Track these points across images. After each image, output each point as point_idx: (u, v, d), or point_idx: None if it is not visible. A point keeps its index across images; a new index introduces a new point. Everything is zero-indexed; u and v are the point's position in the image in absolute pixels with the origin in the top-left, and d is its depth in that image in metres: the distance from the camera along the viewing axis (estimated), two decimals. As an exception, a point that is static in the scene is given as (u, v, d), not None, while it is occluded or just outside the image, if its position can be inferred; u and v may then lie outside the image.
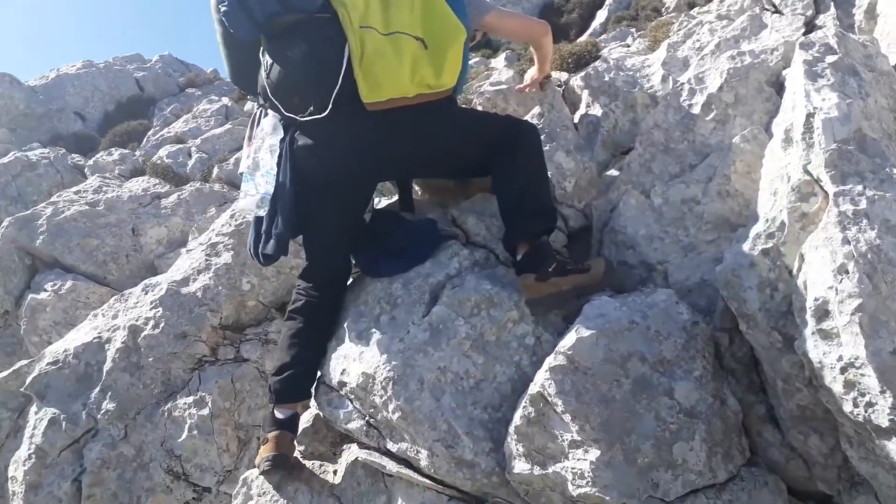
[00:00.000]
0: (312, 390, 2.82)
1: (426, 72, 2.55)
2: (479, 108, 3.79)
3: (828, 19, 3.28)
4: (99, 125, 13.16)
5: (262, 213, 2.70)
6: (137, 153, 9.42)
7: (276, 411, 2.71)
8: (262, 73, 2.62)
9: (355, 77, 2.47)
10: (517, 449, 2.26)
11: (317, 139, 2.56)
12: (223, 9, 2.51)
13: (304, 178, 2.59)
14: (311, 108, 2.52)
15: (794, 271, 2.03)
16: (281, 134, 2.65)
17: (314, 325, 2.81)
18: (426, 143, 2.65)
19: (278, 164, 2.62)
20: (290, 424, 2.73)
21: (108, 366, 3.64)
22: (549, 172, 3.20)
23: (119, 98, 14.07)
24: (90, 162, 8.91)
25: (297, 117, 2.56)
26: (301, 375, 2.76)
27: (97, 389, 3.58)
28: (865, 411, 1.77)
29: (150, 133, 10.60)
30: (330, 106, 2.48)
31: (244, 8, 2.46)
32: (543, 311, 2.56)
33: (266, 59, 2.60)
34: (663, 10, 7.80)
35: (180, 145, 8.89)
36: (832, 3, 3.55)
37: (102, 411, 3.51)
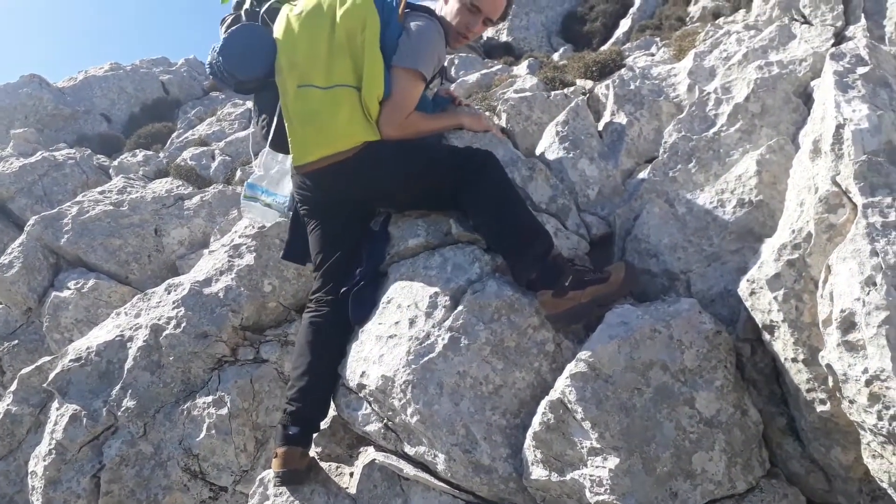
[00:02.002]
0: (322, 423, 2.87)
1: (362, 124, 2.67)
2: (504, 115, 3.80)
3: (858, 30, 3.25)
4: (124, 127, 13.33)
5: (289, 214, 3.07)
6: (161, 155, 9.53)
7: (288, 427, 2.69)
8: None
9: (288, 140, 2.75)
10: (535, 455, 2.25)
11: (299, 181, 2.88)
12: (208, 70, 2.87)
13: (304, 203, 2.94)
14: None
15: (820, 283, 2.01)
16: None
17: (321, 343, 2.80)
18: (370, 186, 2.79)
19: None
20: (301, 439, 2.70)
21: (129, 364, 3.68)
22: (573, 179, 3.21)
23: (145, 100, 14.25)
24: (115, 163, 9.02)
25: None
26: (314, 403, 2.76)
27: (118, 387, 3.61)
28: (890, 424, 1.75)
29: (174, 135, 10.72)
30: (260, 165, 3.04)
31: (220, 78, 2.81)
32: (564, 325, 2.55)
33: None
34: (687, 19, 7.78)
35: (204, 148, 8.98)
36: (862, 15, 3.52)
37: (123, 409, 3.54)
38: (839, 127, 2.10)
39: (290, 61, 2.73)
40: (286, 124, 2.74)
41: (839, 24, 3.54)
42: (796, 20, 3.75)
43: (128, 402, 3.56)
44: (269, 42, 2.79)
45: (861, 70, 2.26)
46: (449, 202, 2.81)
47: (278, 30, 2.82)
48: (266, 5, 2.92)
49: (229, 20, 2.94)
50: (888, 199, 1.89)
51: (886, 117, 2.06)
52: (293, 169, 2.85)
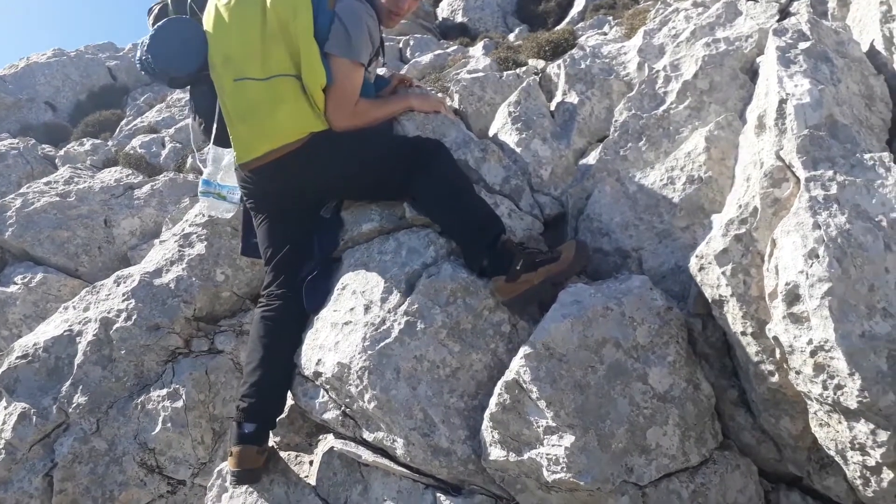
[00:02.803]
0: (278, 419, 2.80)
1: (306, 113, 2.61)
2: (456, 96, 3.78)
3: (801, 6, 3.29)
4: (71, 115, 12.92)
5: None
6: (110, 143, 9.27)
7: (242, 424, 2.62)
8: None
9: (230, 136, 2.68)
10: (492, 436, 2.26)
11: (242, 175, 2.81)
12: (139, 66, 2.74)
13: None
14: None
15: (766, 256, 2.04)
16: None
17: (275, 339, 2.74)
18: (319, 177, 2.73)
19: None
20: (256, 437, 2.63)
21: (79, 359, 3.58)
22: (526, 160, 3.20)
23: (91, 87, 13.82)
24: (61, 152, 8.75)
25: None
26: (269, 399, 2.70)
27: (68, 383, 3.52)
28: (834, 393, 1.79)
29: (122, 123, 10.43)
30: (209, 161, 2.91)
31: (152, 74, 2.70)
32: (520, 308, 2.56)
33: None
34: (640, -1, 7.82)
35: (154, 135, 8.76)
36: (805, -9, 3.57)
37: (74, 405, 3.45)
38: (782, 102, 2.13)
39: (224, 55, 2.64)
40: (226, 121, 2.66)
41: (783, 0, 3.59)
42: (742, -4, 3.79)
43: (79, 399, 3.47)
44: (200, 35, 2.69)
45: (803, 45, 2.29)
46: (399, 191, 2.79)
47: (208, 21, 2.71)
48: None
49: (156, 10, 2.81)
50: (829, 173, 1.92)
51: (827, 91, 2.10)
52: (237, 165, 2.77)
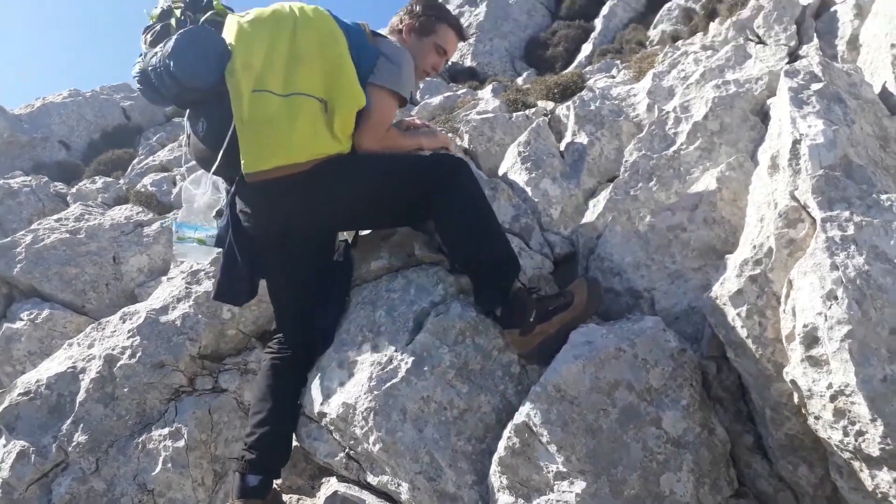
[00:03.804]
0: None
1: (323, 136, 2.50)
2: (466, 136, 3.79)
3: (811, 49, 3.31)
4: (84, 154, 13.05)
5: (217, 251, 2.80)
6: (122, 181, 9.33)
7: (246, 476, 2.54)
8: (184, 139, 2.75)
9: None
10: (501, 481, 2.19)
11: (242, 204, 2.64)
12: (137, 86, 2.57)
13: (244, 236, 2.69)
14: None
15: (783, 298, 2.00)
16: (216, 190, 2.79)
17: (284, 388, 2.68)
18: (331, 204, 2.59)
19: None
20: (261, 490, 2.55)
21: (81, 396, 3.52)
22: (535, 199, 3.18)
23: (105, 127, 13.99)
24: (73, 190, 8.80)
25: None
26: (276, 451, 2.63)
27: (69, 421, 3.45)
28: (856, 440, 1.73)
29: (135, 161, 10.52)
30: (211, 176, 2.63)
31: (153, 88, 2.50)
32: (539, 360, 2.48)
33: (186, 126, 2.71)
34: (648, 43, 7.91)
35: (165, 174, 8.82)
36: (815, 35, 3.59)
37: (74, 444, 3.38)
38: (796, 142, 2.11)
39: (245, 62, 2.48)
40: (238, 129, 2.45)
41: (792, 43, 3.61)
42: (751, 40, 3.81)
43: (79, 437, 3.40)
44: (223, 46, 2.51)
45: (815, 86, 2.28)
46: (418, 213, 2.69)
47: (229, 34, 2.57)
48: (206, 16, 2.65)
49: (159, 29, 2.62)
50: (846, 213, 1.89)
51: (841, 132, 2.08)
52: (236, 186, 2.59)
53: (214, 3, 2.71)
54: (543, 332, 2.42)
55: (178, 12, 2.62)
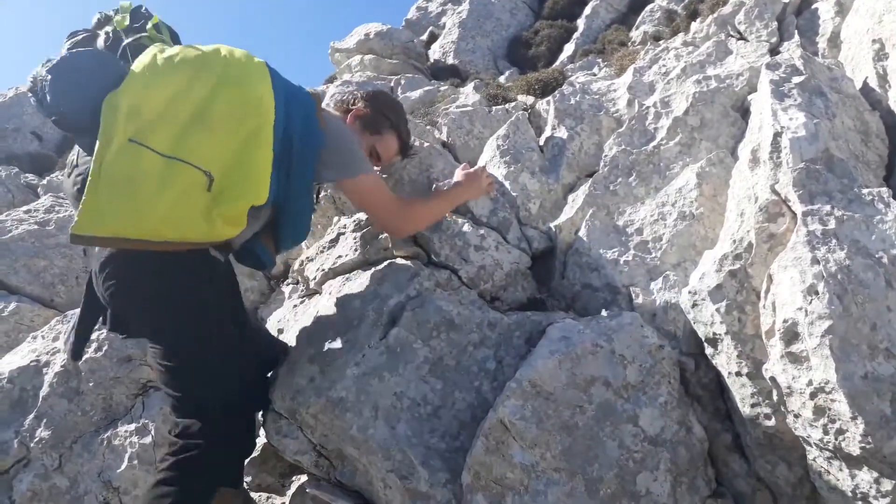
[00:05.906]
0: None
1: (192, 217, 2.07)
2: (445, 128, 3.73)
3: (792, 46, 3.29)
4: (57, 146, 12.82)
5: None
6: (95, 174, 9.15)
7: None
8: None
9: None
10: (474, 480, 2.13)
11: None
12: (29, 94, 2.19)
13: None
14: None
15: (763, 293, 1.96)
16: None
17: None
18: (150, 299, 2.25)
19: None
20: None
21: (44, 391, 3.41)
22: (514, 193, 3.13)
23: (79, 119, 13.76)
24: (44, 181, 8.62)
25: None
26: None
27: (31, 416, 3.34)
28: (836, 439, 1.70)
29: (109, 154, 10.34)
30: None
31: (38, 100, 2.13)
32: None
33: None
34: (630, 43, 7.90)
35: (139, 167, 8.66)
36: (796, 32, 3.58)
37: (36, 439, 3.27)
38: (777, 135, 2.08)
39: (133, 106, 2.06)
40: (90, 177, 1.99)
41: (773, 40, 3.60)
42: (732, 36, 3.80)
43: (42, 433, 3.29)
44: (113, 79, 2.11)
45: (797, 79, 2.25)
46: None
47: (137, 63, 2.18)
48: (133, 37, 2.33)
49: (81, 37, 2.34)
50: (827, 207, 1.86)
51: (823, 125, 2.05)
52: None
53: (148, 26, 2.38)
54: None
55: (109, 29, 2.34)
